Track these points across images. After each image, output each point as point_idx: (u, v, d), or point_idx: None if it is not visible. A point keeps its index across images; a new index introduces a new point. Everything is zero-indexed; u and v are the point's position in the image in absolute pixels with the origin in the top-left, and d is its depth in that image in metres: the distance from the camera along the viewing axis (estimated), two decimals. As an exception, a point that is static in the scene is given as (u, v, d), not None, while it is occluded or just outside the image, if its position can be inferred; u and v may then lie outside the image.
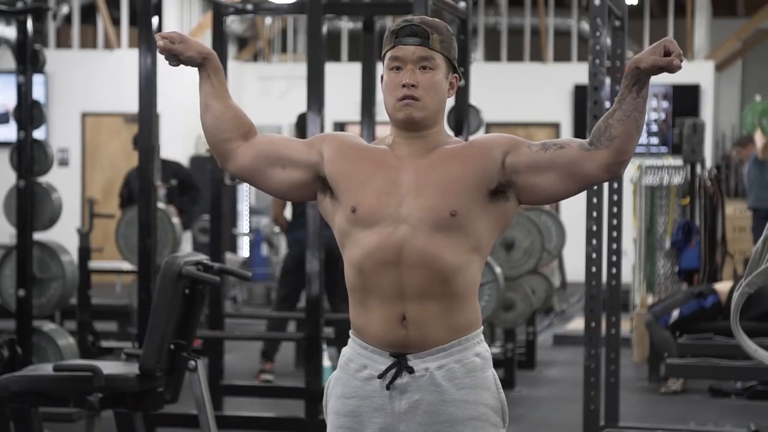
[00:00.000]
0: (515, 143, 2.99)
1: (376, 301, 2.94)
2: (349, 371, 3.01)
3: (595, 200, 6.09)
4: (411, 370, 2.93)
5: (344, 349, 3.05)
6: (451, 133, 3.19)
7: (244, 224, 13.70)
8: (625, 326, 9.21)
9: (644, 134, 15.35)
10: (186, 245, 10.49)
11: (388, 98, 2.96)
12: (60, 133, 15.10)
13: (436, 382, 2.94)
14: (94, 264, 9.31)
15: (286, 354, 9.69)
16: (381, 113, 8.02)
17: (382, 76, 3.01)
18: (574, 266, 11.93)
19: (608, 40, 6.48)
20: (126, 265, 9.00)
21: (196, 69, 3.10)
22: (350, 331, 3.04)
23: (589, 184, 2.96)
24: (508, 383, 8.36)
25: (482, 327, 3.05)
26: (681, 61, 2.84)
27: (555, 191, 2.96)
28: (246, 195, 14.70)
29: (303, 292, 8.54)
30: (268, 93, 16.77)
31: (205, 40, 16.11)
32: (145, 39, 6.34)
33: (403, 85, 2.93)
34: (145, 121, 6.32)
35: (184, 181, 10.17)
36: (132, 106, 14.88)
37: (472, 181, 2.94)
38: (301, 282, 8.17)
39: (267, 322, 8.89)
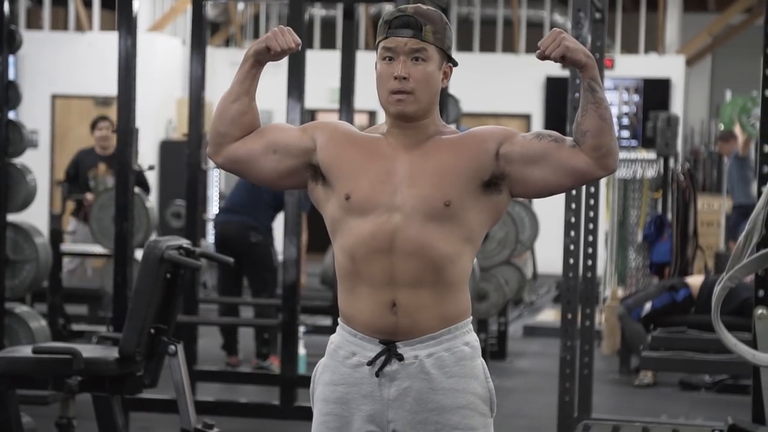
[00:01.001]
0: (510, 134, 3.00)
1: (367, 288, 2.94)
2: (338, 358, 3.00)
3: (573, 192, 6.11)
4: (400, 358, 2.94)
5: (332, 337, 3.05)
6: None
7: (214, 209, 13.63)
8: (596, 319, 9.25)
9: (615, 128, 15.43)
10: None
11: (381, 89, 2.97)
12: (29, 114, 14.98)
13: (426, 369, 2.94)
14: (65, 247, 9.25)
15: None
16: (359, 102, 8.02)
17: (376, 64, 3.01)
18: (543, 258, 11.98)
19: (589, 34, 6.48)
20: (98, 249, 8.95)
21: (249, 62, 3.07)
22: (339, 319, 3.03)
23: (583, 180, 2.96)
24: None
25: (471, 317, 3.06)
26: (544, 52, 2.87)
27: (548, 184, 2.97)
28: (216, 180, 14.64)
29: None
30: (239, 79, 16.68)
31: (178, 25, 16.05)
32: (125, 22, 6.30)
33: (395, 78, 2.93)
34: (124, 104, 6.28)
35: (136, 177, 10.13)
36: (103, 89, 14.82)
37: (465, 172, 2.95)
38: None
39: (218, 307, 8.94)
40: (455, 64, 3.06)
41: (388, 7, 13.33)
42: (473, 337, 3.03)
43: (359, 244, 2.93)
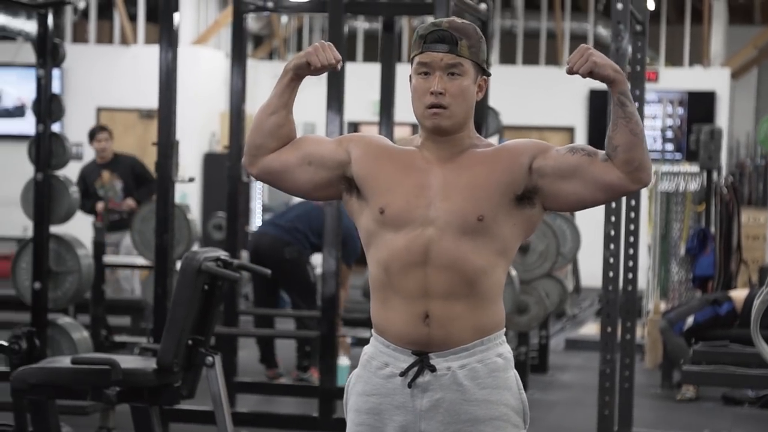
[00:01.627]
0: (544, 148, 3.00)
1: (400, 299, 2.95)
2: (371, 369, 3.01)
3: (613, 205, 6.08)
4: (433, 369, 2.94)
5: (366, 348, 3.06)
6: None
7: (257, 221, 13.68)
8: (638, 332, 9.20)
9: (659, 141, 15.33)
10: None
11: (417, 104, 2.98)
12: (74, 127, 15.11)
13: (458, 381, 2.94)
14: (108, 259, 9.31)
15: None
16: (399, 114, 8.03)
17: (410, 77, 3.01)
18: (587, 271, 11.93)
19: (629, 45, 6.46)
20: (140, 260, 9.00)
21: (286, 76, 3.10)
22: (372, 330, 3.04)
23: (616, 194, 2.96)
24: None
25: (504, 329, 3.05)
26: (572, 66, 2.88)
27: (581, 198, 2.96)
28: (259, 192, 14.70)
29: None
30: (282, 92, 16.75)
31: (222, 37, 16.14)
32: (165, 35, 6.34)
33: (431, 93, 2.95)
34: (165, 118, 6.33)
35: (141, 174, 10.32)
36: (147, 101, 14.92)
37: (498, 186, 2.95)
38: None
39: (253, 319, 8.98)
40: (489, 75, 3.07)
41: (429, 19, 13.32)
42: (506, 349, 3.02)
43: (393, 257, 2.94)
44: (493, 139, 9.68)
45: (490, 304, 2.97)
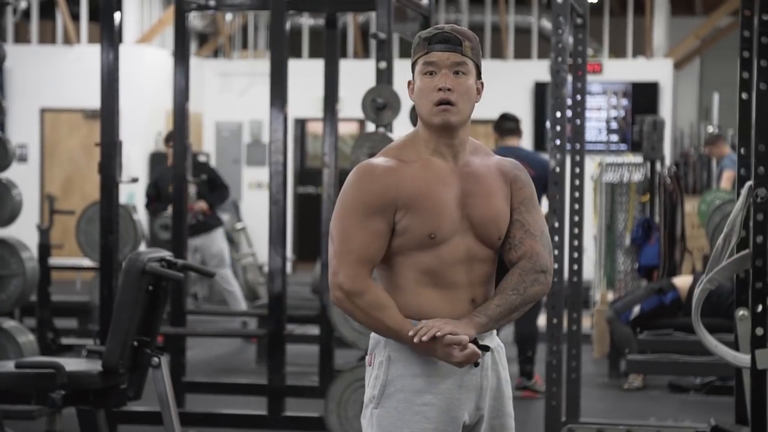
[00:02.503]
0: (530, 195, 3.22)
1: (447, 291, 3.09)
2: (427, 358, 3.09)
3: (557, 197, 6.12)
4: (487, 348, 3.12)
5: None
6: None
7: (204, 221, 13.63)
8: (586, 323, 9.26)
9: (604, 132, 15.42)
10: None
11: (424, 102, 3.10)
12: (18, 128, 14.99)
13: (496, 360, 3.17)
14: (53, 260, 9.26)
15: (248, 350, 9.69)
16: (344, 110, 8.04)
17: (409, 82, 3.15)
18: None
19: (570, 38, 6.51)
20: (86, 262, 8.95)
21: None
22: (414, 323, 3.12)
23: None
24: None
25: None
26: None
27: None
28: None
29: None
30: (228, 90, 16.72)
31: (166, 36, 16.06)
32: (107, 35, 6.32)
33: (440, 89, 3.07)
34: (108, 117, 6.30)
35: (213, 178, 10.32)
36: (91, 102, 14.84)
37: (507, 212, 3.18)
38: None
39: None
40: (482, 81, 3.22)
41: (372, 15, 13.34)
42: None
43: (440, 261, 3.08)
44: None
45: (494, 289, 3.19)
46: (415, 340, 3.00)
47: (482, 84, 3.16)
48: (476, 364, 3.09)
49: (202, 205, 10.12)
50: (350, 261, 3.06)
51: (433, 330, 2.98)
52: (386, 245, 3.07)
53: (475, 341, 3.05)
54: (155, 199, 10.24)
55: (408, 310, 3.08)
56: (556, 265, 6.11)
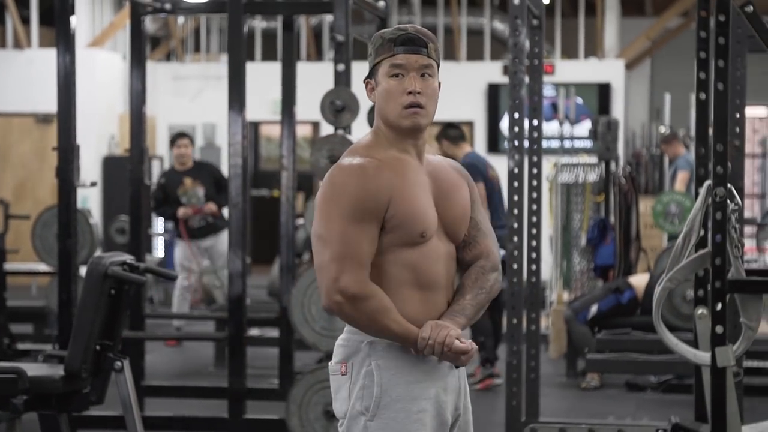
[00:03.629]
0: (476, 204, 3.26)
1: (430, 294, 3.10)
2: (411, 357, 3.08)
3: (515, 198, 6.16)
4: None
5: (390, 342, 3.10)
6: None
7: (159, 224, 13.58)
8: (542, 323, 9.32)
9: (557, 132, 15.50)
10: None
11: (392, 105, 3.07)
12: (-31, 133, 14.87)
13: None
14: (8, 266, 9.19)
15: (205, 353, 9.66)
16: (301, 112, 8.02)
17: (367, 83, 3.12)
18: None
19: (526, 40, 6.54)
20: (42, 267, 8.89)
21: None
22: None
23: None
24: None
25: None
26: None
27: None
28: (160, 195, 14.58)
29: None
30: (181, 93, 16.65)
31: (118, 40, 15.98)
32: (62, 38, 6.27)
33: (409, 92, 3.05)
34: (64, 121, 6.26)
35: (220, 180, 10.38)
36: (43, 105, 14.73)
37: (469, 212, 3.22)
38: None
39: None
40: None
41: (328, 18, 13.29)
42: None
43: (424, 260, 3.08)
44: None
45: None
46: (435, 352, 3.01)
47: (439, 84, 3.16)
48: (457, 366, 3.12)
49: (212, 207, 10.26)
50: (353, 265, 2.99)
51: (449, 340, 3.01)
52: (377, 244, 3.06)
53: None
54: (163, 202, 10.28)
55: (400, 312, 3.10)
56: (515, 266, 6.14)
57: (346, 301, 2.99)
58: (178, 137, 10.49)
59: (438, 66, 3.12)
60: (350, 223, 3.00)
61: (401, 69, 3.06)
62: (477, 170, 8.41)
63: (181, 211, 10.17)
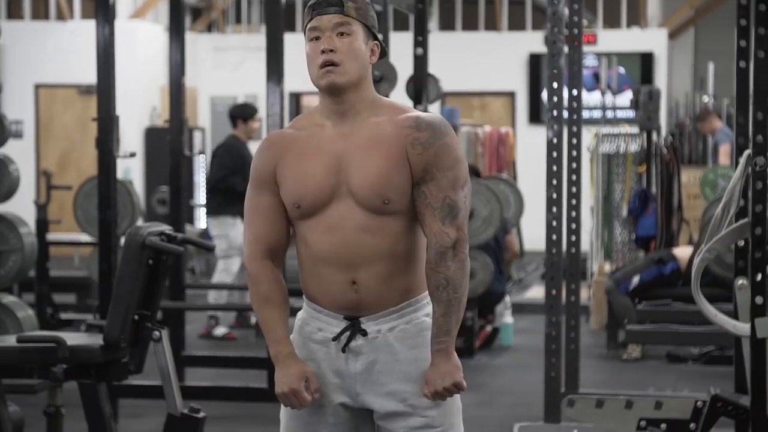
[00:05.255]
0: (429, 171, 3.02)
1: (327, 270, 3.02)
2: (305, 333, 3.09)
3: (554, 168, 6.13)
4: (364, 333, 3.03)
5: (299, 313, 3.13)
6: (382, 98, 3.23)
7: (201, 196, 13.63)
8: (583, 294, 9.28)
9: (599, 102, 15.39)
10: None
11: (311, 68, 3.03)
12: (13, 105, 14.96)
13: (389, 342, 3.05)
14: (51, 236, 9.25)
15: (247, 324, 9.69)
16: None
17: (305, 49, 3.06)
18: (531, 235, 12.00)
19: (566, 9, 6.50)
20: (84, 237, 8.94)
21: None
22: (304, 297, 3.11)
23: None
24: (468, 351, 8.42)
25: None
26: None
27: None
28: (203, 166, 14.64)
29: None
30: (222, 64, 16.69)
31: (159, 11, 16.01)
32: (102, 10, 6.28)
33: (322, 51, 3.00)
34: (104, 93, 6.27)
35: None
36: (85, 77, 14.83)
37: (399, 175, 3.00)
38: None
39: None
40: (380, 41, 3.11)
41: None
42: (431, 308, 3.06)
43: (316, 235, 3.01)
44: (435, 106, 9.68)
45: (411, 265, 3.04)
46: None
47: (378, 45, 3.07)
48: (343, 351, 3.05)
49: None
50: (249, 240, 3.06)
51: (457, 381, 2.98)
52: (282, 222, 3.05)
53: (353, 326, 3.01)
54: (233, 173, 10.00)
55: (305, 291, 3.08)
56: (554, 237, 6.11)
57: (248, 277, 3.10)
58: (255, 111, 10.11)
59: (366, 26, 3.04)
60: (251, 196, 3.07)
61: (317, 31, 3.01)
62: None
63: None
